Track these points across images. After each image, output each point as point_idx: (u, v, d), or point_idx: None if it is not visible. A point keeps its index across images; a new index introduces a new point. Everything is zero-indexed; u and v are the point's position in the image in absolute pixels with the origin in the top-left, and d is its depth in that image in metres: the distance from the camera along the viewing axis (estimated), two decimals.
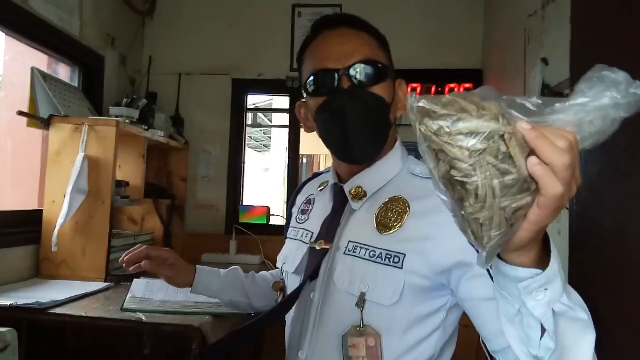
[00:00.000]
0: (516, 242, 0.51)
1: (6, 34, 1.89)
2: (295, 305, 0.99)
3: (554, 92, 1.59)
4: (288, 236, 1.15)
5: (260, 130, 8.58)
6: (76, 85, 2.33)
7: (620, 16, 1.00)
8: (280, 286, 1.11)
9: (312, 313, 0.95)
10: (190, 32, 2.93)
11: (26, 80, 1.91)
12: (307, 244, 1.02)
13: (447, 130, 0.46)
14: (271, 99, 5.35)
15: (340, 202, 1.02)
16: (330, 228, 0.99)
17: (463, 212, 0.48)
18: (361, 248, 0.92)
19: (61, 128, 1.89)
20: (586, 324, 0.59)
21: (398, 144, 1.03)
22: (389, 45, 1.02)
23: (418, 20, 2.84)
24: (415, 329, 0.88)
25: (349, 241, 0.95)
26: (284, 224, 1.27)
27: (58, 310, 1.38)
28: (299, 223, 1.12)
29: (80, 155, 1.82)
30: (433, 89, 2.76)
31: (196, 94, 2.90)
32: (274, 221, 2.91)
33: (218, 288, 1.25)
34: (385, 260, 0.88)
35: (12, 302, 1.38)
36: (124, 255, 1.17)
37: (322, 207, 1.07)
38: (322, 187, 1.14)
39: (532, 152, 0.46)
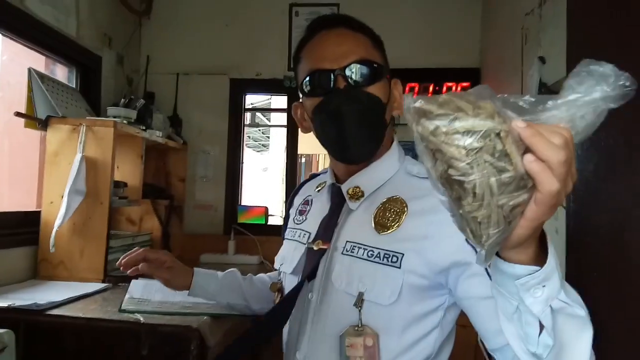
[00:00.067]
0: (514, 239, 0.51)
1: (2, 34, 1.88)
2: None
3: (550, 90, 1.60)
4: (285, 237, 1.15)
5: (259, 130, 8.58)
6: (73, 85, 2.32)
7: (616, 16, 1.00)
8: (277, 287, 1.10)
9: (310, 313, 0.95)
10: (187, 31, 2.92)
11: (23, 80, 1.90)
12: (305, 244, 1.02)
13: (444, 129, 0.46)
14: (269, 99, 5.34)
15: (338, 202, 1.02)
16: (328, 228, 0.99)
17: (461, 211, 0.48)
18: (359, 248, 0.92)
19: (59, 129, 1.88)
20: (584, 320, 0.59)
21: (395, 144, 1.03)
22: (383, 45, 1.02)
23: (415, 19, 2.84)
24: (413, 328, 0.88)
25: (347, 241, 0.95)
26: (282, 224, 1.27)
27: (56, 312, 1.38)
28: (297, 224, 1.12)
29: (78, 156, 1.82)
30: (431, 88, 2.76)
31: (194, 94, 2.90)
32: (272, 221, 2.91)
33: (215, 290, 1.25)
34: (383, 260, 0.88)
35: (10, 303, 1.38)
36: (121, 258, 1.16)
37: (320, 208, 1.07)
38: (319, 188, 1.14)
39: (527, 150, 0.46)
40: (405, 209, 0.92)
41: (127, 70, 2.76)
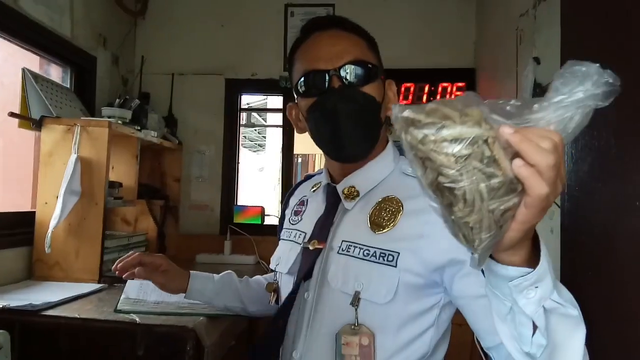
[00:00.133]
0: (506, 242, 0.52)
1: None
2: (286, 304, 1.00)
3: (545, 91, 1.60)
4: (281, 237, 1.15)
5: (255, 130, 8.57)
6: (68, 85, 2.31)
7: (611, 15, 1.01)
8: (273, 287, 1.11)
9: (306, 313, 0.96)
10: (182, 32, 2.92)
11: (17, 81, 1.89)
12: (300, 244, 1.02)
13: (432, 138, 0.47)
14: (265, 99, 5.34)
15: (333, 202, 1.02)
16: (324, 228, 1.00)
17: (453, 217, 0.49)
18: (355, 247, 0.92)
19: (53, 129, 1.88)
20: (576, 320, 0.60)
21: (390, 144, 1.04)
22: (377, 46, 1.03)
23: (411, 19, 2.84)
24: (409, 327, 0.89)
25: (343, 240, 0.95)
26: (277, 224, 1.27)
27: (51, 312, 1.38)
28: (292, 224, 1.12)
29: (73, 157, 1.81)
30: (426, 88, 2.77)
31: (189, 94, 2.89)
32: (268, 221, 2.91)
33: (212, 294, 1.25)
34: (379, 259, 0.89)
35: (5, 303, 1.38)
36: (116, 262, 1.16)
37: (315, 208, 1.07)
38: (314, 188, 1.14)
39: (516, 154, 0.47)
40: (401, 208, 0.92)
41: (122, 71, 2.75)
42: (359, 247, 0.92)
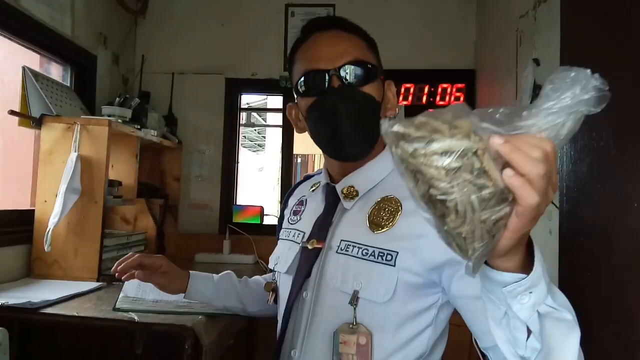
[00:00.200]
0: (500, 250, 0.52)
1: None
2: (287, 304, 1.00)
3: None
4: (280, 237, 1.15)
5: (255, 130, 8.57)
6: (68, 84, 2.31)
7: (611, 14, 1.01)
8: (272, 286, 1.11)
9: (305, 312, 0.96)
10: (182, 31, 2.92)
11: (18, 79, 1.89)
12: (299, 243, 1.03)
13: (422, 151, 0.47)
14: (265, 99, 5.34)
15: (332, 202, 1.03)
16: (322, 227, 1.00)
17: (446, 228, 0.49)
18: (353, 246, 0.93)
19: (53, 127, 1.88)
20: (571, 324, 0.61)
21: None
22: (377, 47, 1.04)
23: (411, 20, 2.85)
24: (407, 326, 0.89)
25: (341, 240, 0.95)
26: (277, 223, 1.28)
27: (50, 310, 1.38)
28: (291, 224, 1.12)
29: (73, 155, 1.81)
30: (426, 89, 2.77)
31: (189, 94, 2.90)
32: (267, 221, 2.91)
33: (212, 294, 1.25)
34: (378, 258, 0.89)
35: (3, 301, 1.38)
36: (115, 264, 1.15)
37: (314, 208, 1.08)
38: (314, 188, 1.14)
39: (507, 164, 0.47)
40: (400, 208, 0.92)
41: (122, 70, 2.75)
42: (358, 247, 0.92)
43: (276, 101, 3.53)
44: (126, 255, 1.17)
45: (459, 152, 0.46)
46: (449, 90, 2.76)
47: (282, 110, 3.03)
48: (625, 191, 0.96)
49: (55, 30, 2.09)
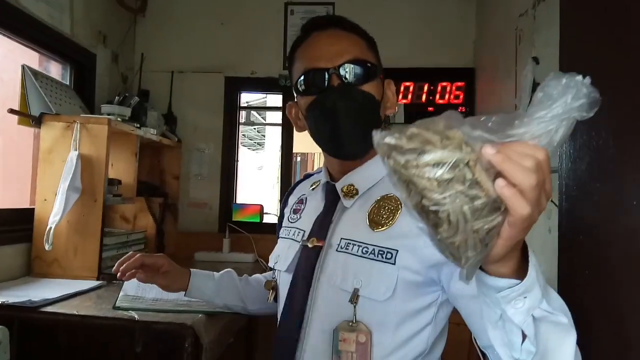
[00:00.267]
0: (493, 257, 0.53)
1: None
2: (287, 302, 1.00)
3: None
4: (280, 235, 1.15)
5: (254, 129, 8.56)
6: (67, 82, 2.31)
7: (610, 10, 1.01)
8: (272, 285, 1.11)
9: (305, 310, 0.96)
10: (182, 29, 2.91)
11: (17, 77, 1.89)
12: (299, 242, 1.03)
13: (414, 163, 0.47)
14: (265, 97, 5.34)
15: (332, 200, 1.03)
16: (323, 225, 1.00)
17: (439, 237, 0.49)
18: (353, 245, 0.93)
19: (52, 126, 1.88)
20: (566, 327, 0.61)
21: None
22: (377, 46, 1.04)
23: (411, 19, 2.84)
24: (407, 324, 0.89)
25: (342, 238, 0.95)
26: (276, 222, 1.28)
27: (50, 309, 1.38)
28: (291, 222, 1.12)
29: (74, 153, 1.81)
30: (425, 87, 2.77)
31: (189, 92, 2.89)
32: (267, 219, 2.91)
33: (213, 292, 1.26)
34: (377, 257, 0.89)
35: (3, 300, 1.38)
36: (117, 264, 1.14)
37: (314, 206, 1.08)
38: (314, 186, 1.15)
39: (499, 174, 0.47)
40: (400, 206, 0.93)
41: (121, 68, 2.75)
42: (358, 245, 0.92)
43: (276, 100, 3.53)
44: (127, 255, 1.16)
45: (451, 164, 0.46)
46: (448, 88, 2.76)
47: (282, 109, 3.03)
48: (624, 190, 0.96)
49: (54, 29, 2.09)
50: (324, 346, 0.91)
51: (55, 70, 2.30)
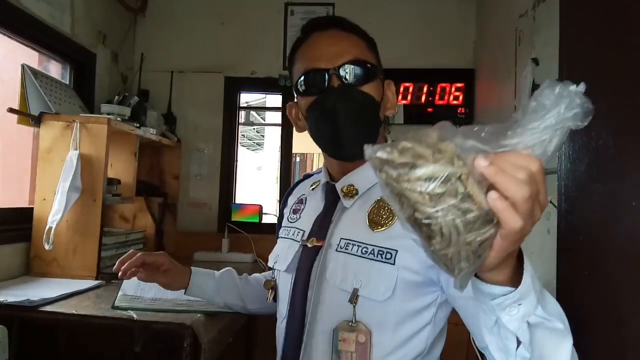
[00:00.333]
0: (487, 266, 0.53)
1: None
2: (287, 302, 1.00)
3: None
4: (280, 235, 1.15)
5: (254, 129, 8.56)
6: (67, 82, 2.31)
7: (610, 10, 1.01)
8: (271, 284, 1.11)
9: (305, 310, 0.96)
10: (182, 29, 2.92)
11: (17, 77, 1.89)
12: (299, 242, 1.03)
13: (406, 177, 0.47)
14: (264, 97, 5.34)
15: (332, 200, 1.03)
16: (322, 225, 1.00)
17: (432, 249, 0.50)
18: (353, 245, 0.93)
19: (52, 125, 1.88)
20: (562, 333, 0.61)
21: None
22: (377, 46, 1.04)
23: (410, 20, 2.85)
24: (406, 324, 0.89)
25: (341, 238, 0.96)
26: (276, 222, 1.28)
27: (49, 308, 1.38)
28: (291, 222, 1.12)
29: (74, 153, 1.81)
30: (425, 88, 2.77)
31: (189, 92, 2.89)
32: (266, 219, 2.91)
33: (213, 291, 1.25)
34: (377, 257, 0.89)
35: (2, 299, 1.38)
36: (117, 263, 1.13)
37: (314, 206, 1.08)
38: (313, 187, 1.15)
39: (492, 185, 0.47)
40: None
41: (121, 68, 2.75)
42: (358, 245, 0.92)
43: (275, 100, 3.53)
44: (127, 254, 1.15)
45: (443, 178, 0.46)
46: (448, 89, 2.76)
47: (281, 109, 3.03)
48: (624, 190, 0.96)
49: (54, 29, 2.09)
50: (324, 346, 0.91)
51: (55, 69, 2.30)
